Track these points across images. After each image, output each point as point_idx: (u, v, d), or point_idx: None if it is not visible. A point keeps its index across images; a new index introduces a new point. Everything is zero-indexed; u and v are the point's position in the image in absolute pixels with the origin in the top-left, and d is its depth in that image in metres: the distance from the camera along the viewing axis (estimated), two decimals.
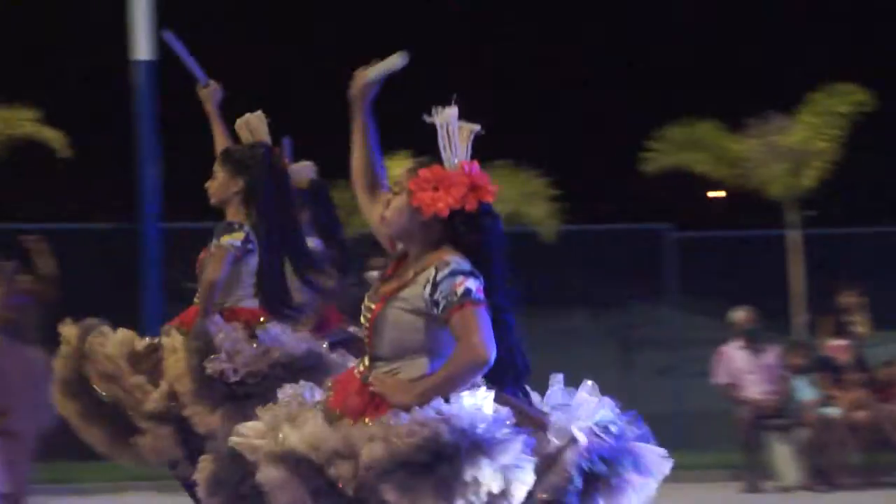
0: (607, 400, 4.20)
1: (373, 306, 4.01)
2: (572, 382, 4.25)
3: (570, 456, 4.00)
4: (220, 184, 5.73)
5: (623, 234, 14.66)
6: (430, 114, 4.05)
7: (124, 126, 11.86)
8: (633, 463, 4.11)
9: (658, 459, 4.15)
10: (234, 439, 4.01)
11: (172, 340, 5.41)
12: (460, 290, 3.89)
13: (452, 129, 4.09)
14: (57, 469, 9.82)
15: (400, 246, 4.11)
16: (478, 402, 3.86)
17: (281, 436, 3.86)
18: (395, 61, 4.24)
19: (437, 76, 18.80)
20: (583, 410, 4.14)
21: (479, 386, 3.93)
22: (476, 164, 4.05)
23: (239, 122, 5.96)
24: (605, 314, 14.87)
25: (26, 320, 6.57)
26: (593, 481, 4.05)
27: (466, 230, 3.99)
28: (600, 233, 14.65)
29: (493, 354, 3.89)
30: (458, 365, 3.89)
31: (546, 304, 13.65)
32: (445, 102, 4.04)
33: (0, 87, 11.61)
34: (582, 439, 4.02)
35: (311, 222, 6.25)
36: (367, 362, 4.00)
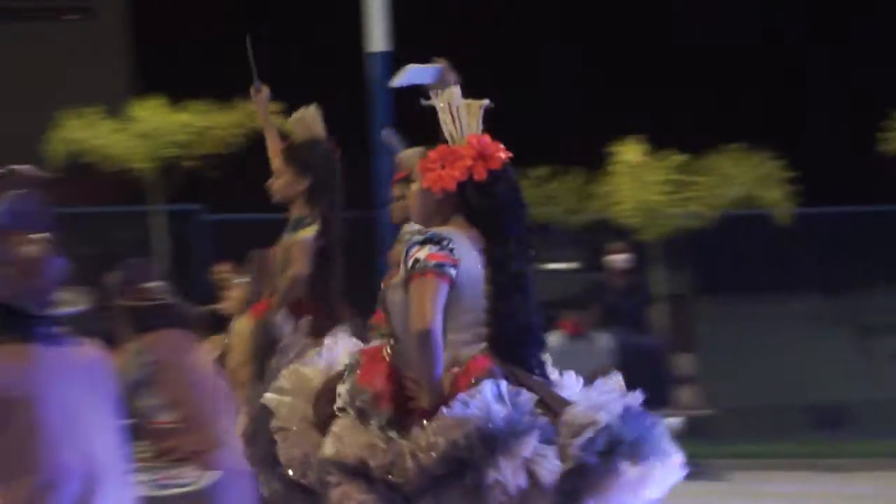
0: (626, 395, 4.08)
1: (384, 286, 4.23)
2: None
3: (580, 440, 3.89)
4: (286, 182, 5.86)
5: (862, 216, 14.27)
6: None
7: (359, 117, 12.13)
8: (643, 453, 3.98)
9: (671, 463, 4.03)
10: (266, 395, 4.16)
11: (242, 327, 5.58)
12: (410, 262, 3.91)
13: (456, 107, 4.12)
14: None
15: None
16: (492, 394, 3.80)
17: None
18: (429, 72, 4.28)
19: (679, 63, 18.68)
20: (598, 396, 4.07)
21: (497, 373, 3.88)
22: (486, 136, 4.08)
23: (294, 118, 6.07)
24: (841, 298, 14.51)
25: None
26: (602, 469, 3.93)
27: (478, 199, 3.99)
28: (837, 215, 14.29)
29: (433, 321, 3.82)
30: (412, 344, 3.87)
31: (781, 288, 13.43)
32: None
33: (247, 80, 12.00)
34: (592, 428, 3.91)
35: None
36: (391, 342, 4.03)
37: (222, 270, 10.79)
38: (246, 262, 6.79)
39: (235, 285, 6.76)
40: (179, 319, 5.48)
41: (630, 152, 12.06)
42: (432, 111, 4.00)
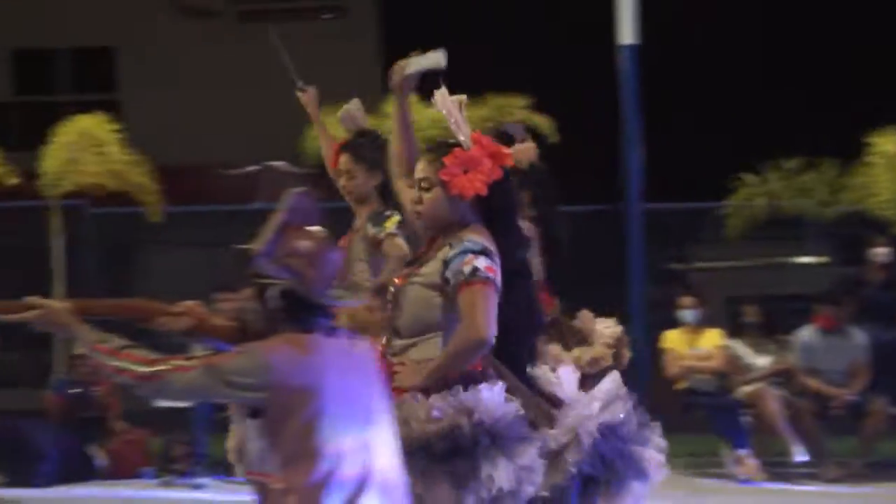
0: (625, 394, 4.18)
1: (396, 281, 4.10)
2: None
3: (572, 456, 3.97)
4: (361, 182, 5.80)
5: None
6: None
7: (608, 109, 12.10)
8: (634, 468, 4.06)
9: (655, 465, 4.12)
10: None
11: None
12: (468, 269, 3.93)
13: (450, 107, 4.13)
14: None
15: None
16: (501, 396, 3.82)
17: None
18: (436, 59, 4.26)
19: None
20: (595, 406, 4.10)
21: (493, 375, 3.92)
22: (478, 132, 4.12)
23: (342, 114, 6.03)
24: None
25: None
26: (593, 483, 4.03)
27: (501, 200, 4.08)
28: None
29: (492, 335, 3.89)
30: (459, 343, 3.91)
31: None
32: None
33: (495, 76, 12.12)
34: (586, 440, 3.98)
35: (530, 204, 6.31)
36: (388, 337, 4.05)
37: None
38: None
39: None
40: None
41: (888, 143, 11.67)
42: None
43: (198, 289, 6.47)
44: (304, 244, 3.53)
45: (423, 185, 4.14)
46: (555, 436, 4.06)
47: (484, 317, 3.90)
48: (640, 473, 4.17)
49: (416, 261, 4.21)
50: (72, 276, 11.87)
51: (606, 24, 11.88)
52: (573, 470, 4.02)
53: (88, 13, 18.36)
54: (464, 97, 4.23)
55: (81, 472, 9.85)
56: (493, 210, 4.11)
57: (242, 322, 3.68)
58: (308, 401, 3.38)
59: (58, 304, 3.59)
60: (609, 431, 4.11)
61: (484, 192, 4.05)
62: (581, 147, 15.60)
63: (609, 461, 4.08)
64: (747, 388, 10.33)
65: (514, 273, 4.08)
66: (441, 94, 4.21)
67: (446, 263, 4.00)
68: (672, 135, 16.46)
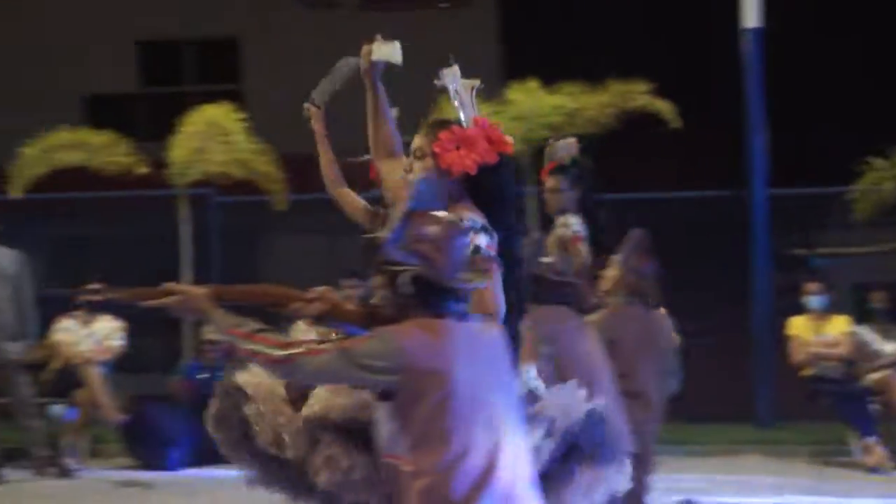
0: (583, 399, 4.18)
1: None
2: None
3: (561, 424, 4.03)
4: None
5: None
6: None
7: (733, 94, 11.97)
8: (615, 454, 4.10)
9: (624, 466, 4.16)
10: (240, 377, 4.15)
11: None
12: (471, 248, 3.81)
13: (459, 88, 4.08)
14: (672, 430, 10.14)
15: None
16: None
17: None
18: (392, 53, 4.28)
19: None
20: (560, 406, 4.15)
21: None
22: (486, 118, 4.05)
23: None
24: None
25: (650, 287, 6.80)
26: (577, 450, 4.06)
27: (490, 182, 4.03)
28: None
29: (501, 310, 3.91)
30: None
31: None
32: None
33: (616, 61, 12.07)
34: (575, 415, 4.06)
35: (575, 199, 6.28)
36: None
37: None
38: (623, 240, 6.83)
39: (611, 264, 6.79)
40: (568, 296, 5.59)
41: None
42: None
43: (322, 275, 6.55)
44: (431, 229, 3.55)
45: (416, 154, 4.15)
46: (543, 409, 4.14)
47: (491, 293, 3.95)
48: (619, 463, 4.19)
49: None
50: (199, 264, 12.10)
51: (730, 7, 11.75)
52: (560, 436, 4.08)
53: (213, 5, 18.64)
54: (476, 82, 4.20)
55: (211, 455, 10.01)
56: (484, 192, 4.09)
57: (372, 307, 3.72)
58: (438, 385, 3.41)
59: (195, 290, 3.67)
60: (576, 422, 4.14)
61: (473, 170, 4.04)
62: (704, 132, 15.46)
63: (574, 452, 4.10)
64: (875, 376, 10.18)
65: (500, 257, 4.07)
66: (452, 72, 4.20)
67: None
68: (797, 119, 16.22)
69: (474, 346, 3.50)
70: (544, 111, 11.36)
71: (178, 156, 11.60)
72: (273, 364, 3.49)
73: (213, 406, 4.27)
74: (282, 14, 18.62)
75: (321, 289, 3.82)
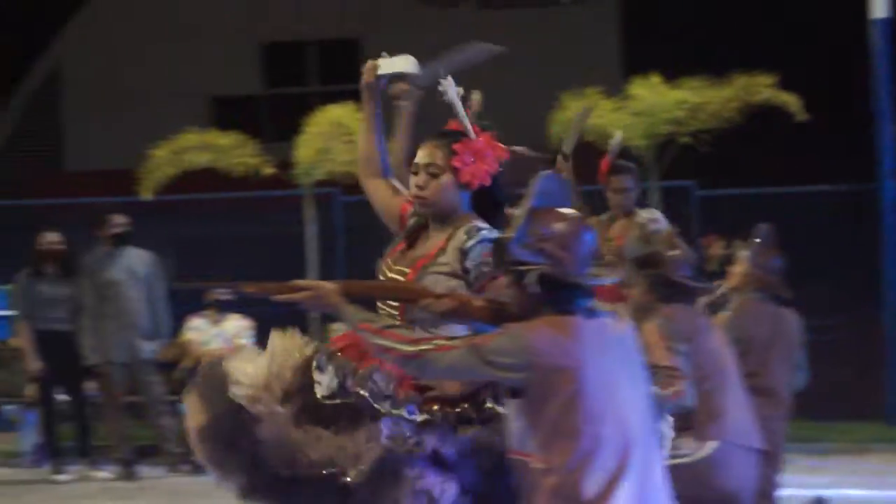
0: None
1: (407, 270, 3.99)
2: None
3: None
4: None
5: None
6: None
7: (860, 86, 11.77)
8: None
9: None
10: (234, 390, 3.99)
11: None
12: (489, 262, 3.92)
13: (455, 98, 4.10)
14: (801, 428, 10.00)
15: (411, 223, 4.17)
16: None
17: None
18: (406, 64, 4.19)
19: None
20: None
21: None
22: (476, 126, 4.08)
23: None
24: None
25: (778, 282, 6.72)
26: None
27: (493, 190, 4.08)
28: None
29: None
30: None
31: None
32: None
33: (740, 54, 11.95)
34: None
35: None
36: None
37: (713, 245, 10.80)
38: (748, 236, 6.76)
39: (739, 260, 6.73)
40: (692, 294, 5.55)
41: None
42: None
43: None
44: (556, 226, 3.56)
45: (430, 170, 4.10)
46: None
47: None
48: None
49: (408, 248, 4.16)
50: (324, 263, 12.23)
51: None
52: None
53: (335, 6, 18.83)
54: (459, 89, 4.22)
55: None
56: (488, 201, 4.13)
57: (500, 305, 3.75)
58: (568, 382, 3.41)
59: (326, 285, 3.74)
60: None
61: (488, 182, 4.08)
62: (830, 125, 15.23)
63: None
64: None
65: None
66: (449, 84, 4.20)
67: (465, 253, 4.01)
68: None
69: (604, 343, 3.50)
70: (667, 106, 11.27)
71: (303, 156, 11.72)
72: (404, 360, 3.54)
73: (201, 414, 4.05)
74: (402, 14, 18.74)
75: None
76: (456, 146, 4.09)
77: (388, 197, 4.29)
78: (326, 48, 19.53)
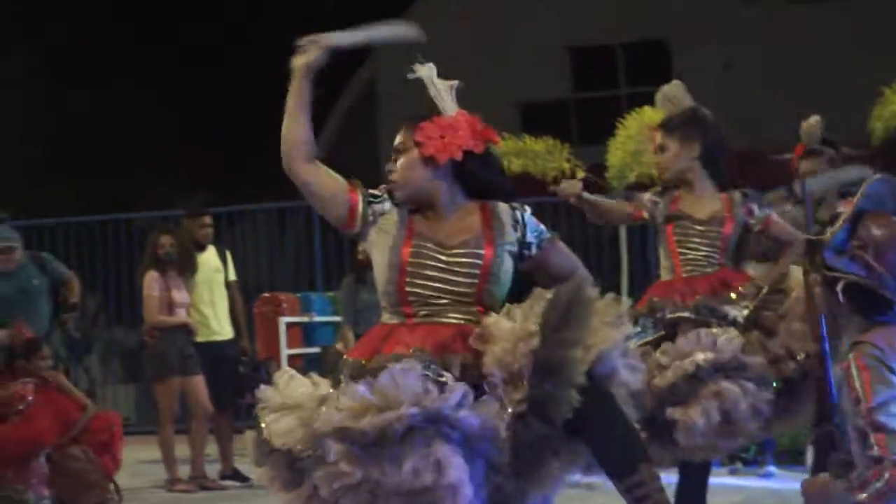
0: None
1: (481, 252, 3.84)
2: None
3: None
4: (675, 154, 5.58)
5: None
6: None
7: None
8: None
9: None
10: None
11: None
12: (543, 227, 4.05)
13: (437, 83, 3.97)
14: None
15: None
16: None
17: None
18: (396, 31, 4.08)
19: None
20: None
21: None
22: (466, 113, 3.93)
23: (659, 96, 5.73)
24: None
25: None
26: None
27: (480, 170, 3.91)
28: None
29: None
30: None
31: None
32: None
33: None
34: None
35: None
36: (469, 311, 3.83)
37: None
38: None
39: None
40: None
41: None
42: None
43: None
44: (876, 234, 3.44)
45: (398, 148, 4.04)
46: None
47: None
48: None
49: (426, 233, 3.98)
50: (639, 263, 12.23)
51: None
52: None
53: (644, 8, 18.78)
54: (455, 82, 4.08)
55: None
56: (474, 183, 4.00)
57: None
58: None
59: None
60: None
61: (458, 155, 3.92)
62: None
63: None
64: None
65: None
66: (427, 68, 4.09)
67: (524, 226, 4.00)
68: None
69: None
70: None
71: (615, 159, 11.75)
72: None
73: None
74: (712, 13, 18.53)
75: None
76: (423, 123, 4.01)
77: (332, 184, 4.04)
78: (634, 49, 19.51)
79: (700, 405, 5.22)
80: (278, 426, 3.69)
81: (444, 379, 3.65)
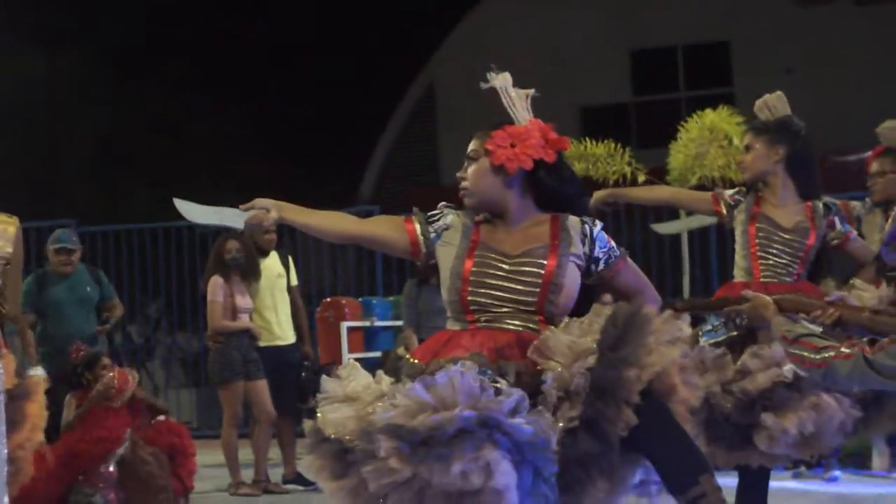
0: None
1: (543, 262, 3.84)
2: None
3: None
4: (759, 155, 5.56)
5: None
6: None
7: None
8: None
9: None
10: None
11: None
12: (614, 244, 4.04)
13: (511, 92, 3.96)
14: None
15: None
16: None
17: None
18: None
19: None
20: None
21: None
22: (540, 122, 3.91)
23: (759, 102, 5.67)
24: None
25: None
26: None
27: (551, 180, 3.90)
28: None
29: None
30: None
31: None
32: None
33: None
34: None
35: None
36: (529, 319, 3.84)
37: None
38: None
39: None
40: None
41: None
42: None
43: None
44: None
45: (470, 156, 4.06)
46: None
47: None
48: None
49: (488, 243, 4.01)
50: (701, 264, 12.20)
51: None
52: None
53: (703, 9, 18.72)
54: (531, 91, 4.10)
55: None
56: (545, 191, 4.00)
57: (879, 311, 3.70)
58: None
59: (766, 299, 3.86)
60: None
61: (529, 165, 3.93)
62: None
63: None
64: None
65: None
66: (503, 77, 4.10)
67: (593, 241, 4.00)
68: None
69: None
70: None
71: (677, 162, 11.74)
72: (810, 368, 3.58)
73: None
74: (772, 14, 18.43)
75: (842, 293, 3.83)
76: (496, 132, 4.03)
77: (383, 225, 4.18)
78: (694, 52, 19.45)
79: (797, 415, 5.22)
80: (333, 416, 3.73)
81: (499, 384, 3.68)
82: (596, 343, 3.71)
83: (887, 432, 5.35)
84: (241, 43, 20.38)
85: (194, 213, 4.34)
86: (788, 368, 5.18)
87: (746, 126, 5.88)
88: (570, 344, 3.74)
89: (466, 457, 3.51)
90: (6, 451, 4.93)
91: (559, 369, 3.70)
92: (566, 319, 3.89)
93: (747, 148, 5.71)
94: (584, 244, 4.00)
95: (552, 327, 3.87)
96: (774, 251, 5.65)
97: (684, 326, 3.93)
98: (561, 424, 3.64)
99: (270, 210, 4.12)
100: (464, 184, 4.07)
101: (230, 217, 4.25)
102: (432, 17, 20.39)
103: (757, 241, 5.67)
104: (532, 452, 3.59)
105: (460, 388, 3.57)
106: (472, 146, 4.10)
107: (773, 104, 5.76)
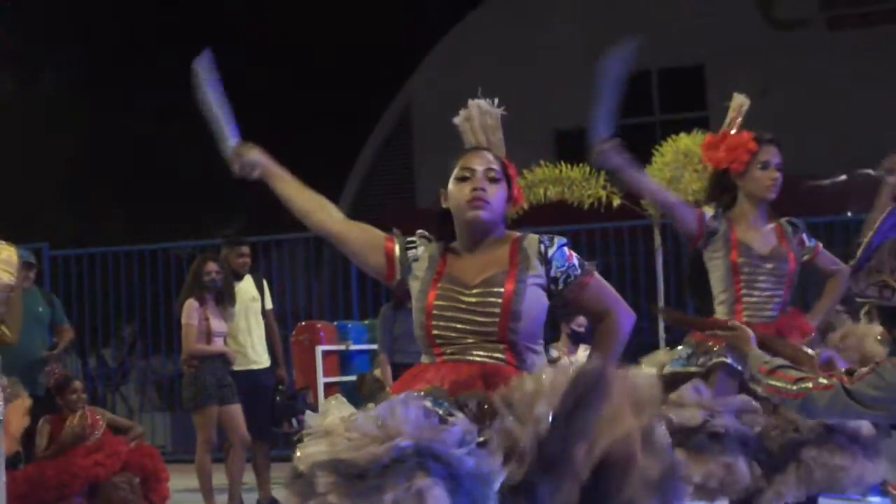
0: None
1: (500, 290, 3.76)
2: None
3: None
4: None
5: None
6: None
7: None
8: None
9: None
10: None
11: None
12: (576, 261, 3.91)
13: (475, 123, 4.10)
14: None
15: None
16: None
17: None
18: None
19: None
20: None
21: None
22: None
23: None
24: None
25: None
26: None
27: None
28: None
29: None
30: (624, 329, 3.84)
31: None
32: None
33: None
34: None
35: None
36: (495, 349, 3.77)
37: None
38: None
39: None
40: None
41: None
42: None
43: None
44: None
45: (490, 175, 3.97)
46: None
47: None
48: None
49: (454, 271, 3.96)
50: (674, 291, 12.19)
51: None
52: None
53: (678, 34, 18.79)
54: (500, 110, 4.19)
55: None
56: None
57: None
58: None
59: (749, 331, 3.98)
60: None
61: (523, 204, 4.08)
62: None
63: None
64: None
65: None
66: (474, 104, 4.18)
67: (549, 261, 3.90)
68: None
69: None
70: None
71: None
72: (790, 399, 3.60)
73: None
74: (747, 38, 18.51)
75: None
76: (510, 165, 4.04)
77: (364, 236, 4.13)
78: (669, 76, 19.51)
79: (707, 466, 5.19)
80: (306, 451, 3.67)
81: (452, 417, 3.61)
82: (552, 408, 3.57)
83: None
84: (215, 65, 20.32)
85: (209, 93, 4.38)
86: (720, 423, 5.15)
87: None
88: (529, 401, 3.61)
89: (399, 486, 3.45)
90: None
91: (509, 427, 3.60)
92: (539, 368, 3.80)
93: (764, 165, 5.84)
94: (541, 264, 3.93)
95: (525, 372, 3.77)
96: (758, 286, 5.55)
97: (656, 382, 3.81)
98: (505, 475, 3.57)
99: (256, 168, 4.19)
100: (487, 196, 3.96)
101: (221, 135, 4.39)
102: (409, 39, 20.42)
103: (742, 278, 5.57)
104: (471, 483, 3.52)
105: (403, 417, 3.52)
106: (492, 164, 4.03)
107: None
